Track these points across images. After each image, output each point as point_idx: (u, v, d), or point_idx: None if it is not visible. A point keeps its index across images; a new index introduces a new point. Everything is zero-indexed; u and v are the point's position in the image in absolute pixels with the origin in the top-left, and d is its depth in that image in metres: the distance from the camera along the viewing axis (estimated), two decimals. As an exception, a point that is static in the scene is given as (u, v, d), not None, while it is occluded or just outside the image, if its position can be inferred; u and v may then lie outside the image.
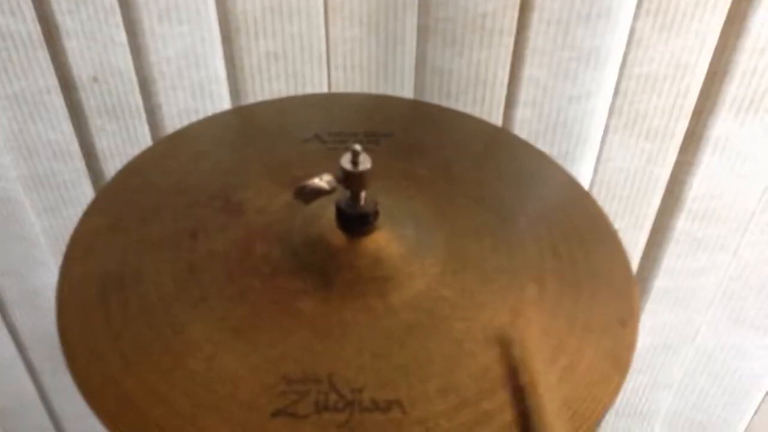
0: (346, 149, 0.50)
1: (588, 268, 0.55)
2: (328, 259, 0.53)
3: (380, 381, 0.47)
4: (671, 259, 0.89)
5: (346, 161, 0.50)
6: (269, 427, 0.45)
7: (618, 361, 0.50)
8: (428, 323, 0.50)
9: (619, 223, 0.86)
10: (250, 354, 0.49)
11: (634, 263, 0.90)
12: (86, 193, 0.88)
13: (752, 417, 1.04)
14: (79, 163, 0.86)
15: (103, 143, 0.84)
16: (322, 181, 0.49)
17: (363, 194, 0.52)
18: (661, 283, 0.91)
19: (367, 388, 0.47)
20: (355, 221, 0.53)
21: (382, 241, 0.53)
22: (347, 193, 0.52)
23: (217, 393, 0.47)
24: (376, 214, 0.53)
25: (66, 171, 0.86)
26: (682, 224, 0.85)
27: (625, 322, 0.51)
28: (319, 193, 0.49)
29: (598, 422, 0.47)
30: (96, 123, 0.83)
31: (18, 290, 0.97)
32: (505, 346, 0.48)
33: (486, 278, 0.53)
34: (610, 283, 0.54)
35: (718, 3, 0.70)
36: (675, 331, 0.96)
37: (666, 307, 0.94)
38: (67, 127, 0.83)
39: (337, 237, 0.53)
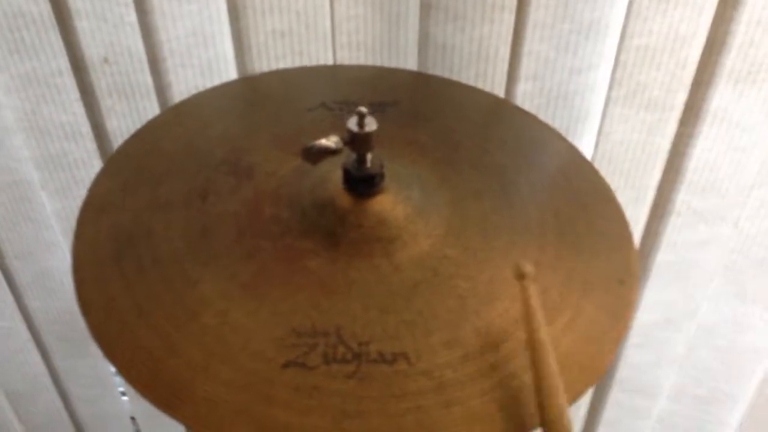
0: (352, 114, 0.52)
1: (587, 229, 0.56)
2: (336, 220, 0.55)
3: (386, 334, 0.49)
4: (673, 232, 0.90)
5: (352, 123, 0.52)
6: (280, 377, 0.47)
7: (617, 317, 0.51)
8: (432, 281, 0.52)
9: (620, 197, 0.87)
10: (260, 309, 0.50)
11: (636, 238, 0.91)
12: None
13: (755, 391, 1.05)
14: (90, 144, 0.88)
15: (113, 123, 0.86)
16: (329, 141, 0.51)
17: (369, 156, 0.53)
18: (662, 257, 0.92)
19: (373, 341, 0.49)
20: (362, 183, 0.54)
21: (388, 202, 0.55)
22: (354, 156, 0.54)
23: (229, 345, 0.48)
24: (381, 176, 0.55)
25: (77, 151, 0.88)
26: (682, 197, 0.87)
27: (624, 281, 0.53)
28: (326, 152, 0.51)
29: (598, 377, 0.49)
30: (106, 103, 0.84)
31: (30, 272, 0.99)
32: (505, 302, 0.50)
33: (488, 238, 0.55)
34: (608, 244, 0.56)
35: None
36: (677, 306, 0.98)
37: (668, 282, 0.95)
38: (78, 107, 0.85)
39: (344, 199, 0.55)
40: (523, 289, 0.46)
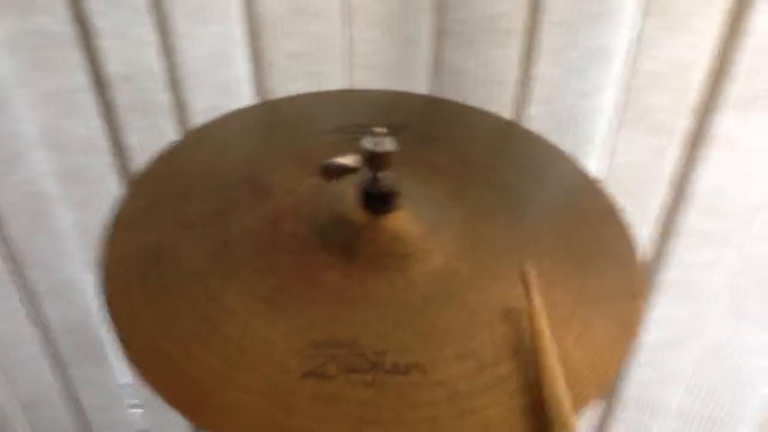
0: (367, 135, 0.54)
1: (596, 246, 0.58)
2: (352, 236, 0.56)
3: (401, 346, 0.51)
4: (678, 253, 0.91)
5: (369, 142, 0.54)
6: (300, 386, 0.49)
7: (626, 330, 0.53)
8: (446, 295, 0.54)
9: (627, 218, 0.89)
10: (279, 321, 0.52)
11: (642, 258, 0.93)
12: (114, 188, 0.92)
13: (760, 412, 1.06)
14: (108, 159, 0.90)
15: (132, 139, 0.88)
16: (348, 159, 0.53)
17: (384, 174, 0.55)
18: (668, 277, 0.94)
19: (389, 353, 0.50)
20: (377, 200, 0.56)
21: (402, 219, 0.57)
22: (370, 174, 0.55)
23: (251, 355, 0.50)
24: (396, 193, 0.56)
25: (96, 166, 0.90)
26: (688, 218, 0.88)
27: (632, 296, 0.55)
28: (344, 170, 0.53)
29: (608, 387, 0.50)
30: (125, 120, 0.86)
31: (47, 282, 1.01)
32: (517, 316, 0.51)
33: (499, 255, 0.57)
34: (616, 260, 0.58)
35: (719, 3, 0.74)
36: (683, 326, 0.99)
37: (674, 302, 0.96)
38: (98, 123, 0.87)
39: (360, 215, 0.57)
40: (526, 292, 0.48)
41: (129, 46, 0.81)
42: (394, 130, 0.67)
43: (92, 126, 0.87)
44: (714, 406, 1.06)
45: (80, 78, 0.84)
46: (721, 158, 0.83)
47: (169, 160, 0.66)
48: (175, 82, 0.83)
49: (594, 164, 0.87)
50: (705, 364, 1.02)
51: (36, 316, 1.04)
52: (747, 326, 0.98)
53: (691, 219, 0.88)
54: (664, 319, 0.97)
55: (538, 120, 0.83)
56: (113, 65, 0.83)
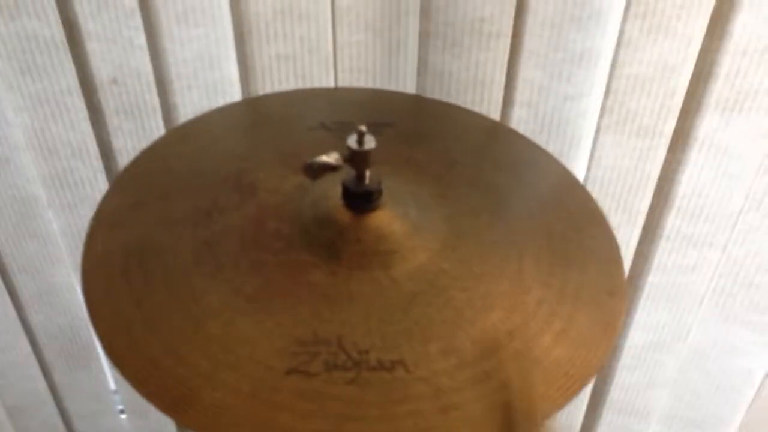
0: (351, 133, 0.54)
1: (578, 245, 0.59)
2: (336, 234, 0.57)
3: (385, 343, 0.51)
4: (662, 256, 0.92)
5: (352, 141, 0.54)
6: (284, 383, 0.49)
7: (607, 327, 0.53)
8: (429, 292, 0.54)
9: (611, 221, 0.90)
10: (264, 320, 0.52)
11: (627, 261, 0.94)
12: (102, 192, 0.92)
13: (745, 414, 1.07)
14: (96, 162, 0.90)
15: (119, 142, 0.88)
16: (330, 157, 0.53)
17: (368, 173, 0.56)
18: (652, 280, 0.94)
19: (373, 350, 0.51)
20: (361, 199, 0.57)
21: (386, 218, 0.57)
22: (353, 172, 0.56)
23: (235, 353, 0.50)
24: (379, 192, 0.57)
25: (83, 169, 0.90)
26: (672, 221, 0.89)
27: (613, 293, 0.55)
28: (326, 168, 0.53)
29: (588, 382, 0.51)
30: (113, 123, 0.87)
31: (34, 287, 1.01)
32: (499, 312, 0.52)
33: (483, 252, 0.57)
34: (598, 258, 0.58)
35: (702, 6, 0.75)
36: (668, 329, 1.00)
37: (658, 305, 0.97)
38: (86, 126, 0.87)
39: (344, 214, 0.57)
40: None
41: (117, 48, 0.81)
42: (378, 128, 0.68)
43: (80, 129, 0.87)
44: (699, 408, 1.07)
45: (68, 81, 0.84)
46: (704, 160, 0.84)
47: (152, 158, 0.66)
48: (163, 85, 0.84)
49: (578, 167, 0.87)
50: (690, 366, 1.03)
51: (23, 321, 1.03)
52: (731, 328, 0.99)
53: (675, 221, 0.89)
54: (648, 322, 0.98)
55: (522, 122, 0.84)
56: (101, 68, 0.83)
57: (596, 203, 0.63)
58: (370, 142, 0.54)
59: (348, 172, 0.56)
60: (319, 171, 0.53)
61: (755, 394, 1.05)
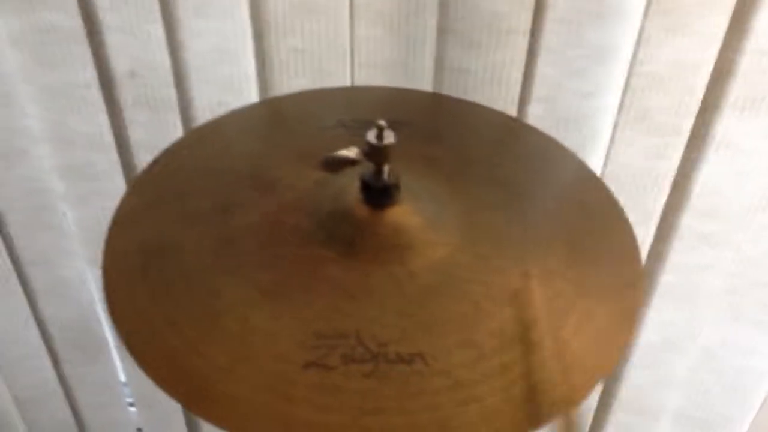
0: (369, 129, 0.54)
1: (595, 239, 0.59)
2: (354, 229, 0.57)
3: (404, 336, 0.51)
4: (676, 254, 0.92)
5: (371, 136, 0.54)
6: (302, 377, 0.49)
7: (626, 319, 0.54)
8: (447, 286, 0.54)
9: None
10: (282, 314, 0.53)
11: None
12: (118, 185, 0.93)
13: (756, 414, 1.06)
14: (113, 155, 0.90)
15: (136, 135, 0.89)
16: (349, 151, 0.53)
17: (386, 168, 0.56)
18: (666, 278, 0.94)
19: (391, 343, 0.51)
20: (379, 194, 0.57)
21: (403, 213, 0.57)
22: (371, 167, 0.56)
23: (252, 347, 0.51)
24: (397, 187, 0.57)
25: (99, 162, 0.91)
26: (687, 220, 0.89)
27: (632, 285, 0.55)
28: (345, 162, 0.53)
29: (607, 375, 0.51)
30: (131, 116, 0.87)
31: (46, 279, 1.01)
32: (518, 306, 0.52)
33: (501, 247, 0.57)
34: (615, 252, 0.59)
35: (723, 4, 0.74)
36: (680, 328, 1.00)
37: (671, 303, 0.97)
38: (103, 119, 0.87)
39: (362, 209, 0.57)
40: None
41: (135, 41, 0.82)
42: (395, 126, 0.68)
43: (97, 122, 0.88)
44: (709, 408, 1.07)
45: (86, 73, 0.84)
46: (721, 159, 0.84)
47: (170, 159, 0.66)
48: (180, 78, 0.84)
49: (594, 164, 0.87)
50: (701, 366, 1.03)
51: (35, 313, 1.04)
52: (743, 328, 0.98)
53: (689, 220, 0.89)
54: (660, 321, 0.98)
55: (538, 119, 0.84)
56: (119, 61, 0.83)
57: (613, 196, 0.63)
58: (389, 137, 0.54)
59: (366, 167, 0.56)
60: (338, 165, 0.53)
61: (766, 394, 1.04)
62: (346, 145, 0.55)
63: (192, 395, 0.49)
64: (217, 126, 0.72)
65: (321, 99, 0.75)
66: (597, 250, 0.58)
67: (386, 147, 0.54)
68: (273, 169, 0.64)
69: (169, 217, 0.60)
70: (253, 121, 0.74)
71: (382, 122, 0.54)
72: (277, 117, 0.75)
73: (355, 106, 0.74)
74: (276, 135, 0.71)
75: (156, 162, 0.66)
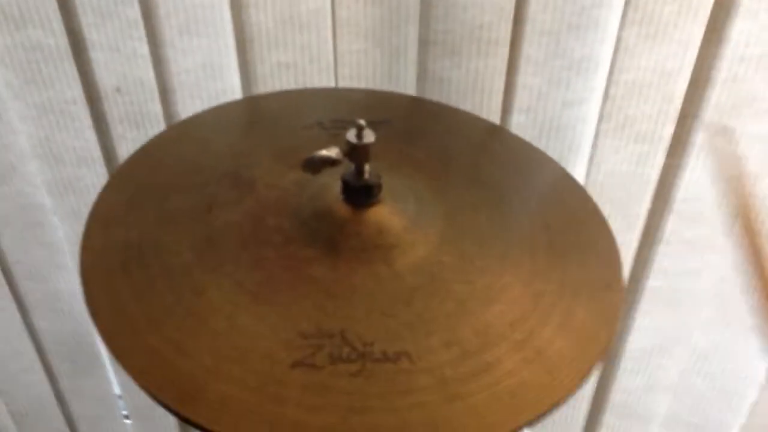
0: (349, 128, 0.55)
1: (575, 240, 0.60)
2: (336, 229, 0.58)
3: (389, 336, 0.52)
4: (663, 260, 0.93)
5: (351, 135, 0.55)
6: (289, 376, 0.49)
7: (606, 319, 0.54)
8: (431, 285, 0.55)
9: (611, 225, 0.91)
10: (267, 314, 0.53)
11: (627, 265, 0.94)
12: (106, 201, 0.93)
13: (746, 419, 1.07)
14: (101, 169, 0.91)
15: (124, 150, 0.89)
16: (330, 151, 0.54)
17: (367, 167, 0.57)
18: (653, 283, 0.95)
19: (377, 342, 0.51)
20: (360, 193, 0.57)
21: (385, 212, 0.58)
22: (352, 167, 0.57)
23: (239, 348, 0.51)
24: (379, 186, 0.58)
25: (88, 176, 0.91)
26: (671, 226, 0.90)
27: (611, 286, 0.56)
28: (326, 162, 0.54)
29: (589, 374, 0.51)
30: (118, 131, 0.88)
31: (40, 294, 1.01)
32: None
33: (483, 247, 0.58)
34: (595, 253, 0.59)
35: (698, 13, 0.76)
36: (669, 333, 1.00)
37: (659, 309, 0.97)
38: (91, 135, 0.88)
39: (344, 209, 0.58)
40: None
41: (121, 58, 0.83)
42: (375, 126, 0.68)
43: (85, 137, 0.89)
44: (700, 413, 1.07)
45: (73, 90, 0.85)
46: (703, 165, 0.85)
47: (149, 156, 0.66)
48: (166, 94, 0.85)
49: (578, 172, 0.88)
50: (691, 370, 1.03)
51: (29, 327, 1.04)
52: (732, 333, 0.99)
53: (675, 226, 0.90)
54: (649, 326, 0.99)
55: (522, 128, 0.85)
56: (105, 77, 0.84)
57: (591, 199, 0.64)
58: (369, 136, 0.55)
59: (347, 167, 0.57)
60: (320, 165, 0.54)
61: (757, 398, 1.05)
62: (325, 145, 0.55)
63: (178, 396, 0.48)
64: (197, 123, 0.72)
65: (300, 99, 0.76)
66: (577, 251, 0.59)
67: (366, 146, 0.55)
68: (253, 168, 0.64)
69: (149, 215, 0.60)
70: (232, 118, 0.75)
71: (362, 121, 0.55)
72: (256, 115, 0.75)
73: (334, 106, 0.74)
74: (255, 133, 0.71)
75: (135, 157, 0.66)
